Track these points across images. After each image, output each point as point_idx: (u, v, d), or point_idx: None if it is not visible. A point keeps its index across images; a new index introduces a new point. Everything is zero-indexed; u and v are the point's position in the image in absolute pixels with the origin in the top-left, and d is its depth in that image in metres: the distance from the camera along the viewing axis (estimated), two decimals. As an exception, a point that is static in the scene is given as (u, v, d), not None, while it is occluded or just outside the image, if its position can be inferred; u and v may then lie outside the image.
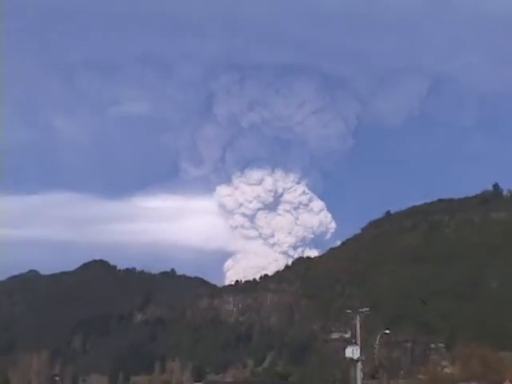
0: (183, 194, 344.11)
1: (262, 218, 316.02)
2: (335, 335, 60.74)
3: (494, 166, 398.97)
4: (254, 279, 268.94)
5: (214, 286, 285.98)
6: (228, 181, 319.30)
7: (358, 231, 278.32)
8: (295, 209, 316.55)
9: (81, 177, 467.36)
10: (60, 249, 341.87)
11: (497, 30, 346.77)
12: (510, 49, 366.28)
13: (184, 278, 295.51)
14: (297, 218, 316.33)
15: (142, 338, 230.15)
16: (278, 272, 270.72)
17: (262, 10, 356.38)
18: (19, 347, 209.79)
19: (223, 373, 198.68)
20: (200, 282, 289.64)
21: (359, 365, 51.27)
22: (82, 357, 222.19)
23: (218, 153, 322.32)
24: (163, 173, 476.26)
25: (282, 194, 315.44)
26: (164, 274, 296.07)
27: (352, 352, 50.86)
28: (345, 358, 54.18)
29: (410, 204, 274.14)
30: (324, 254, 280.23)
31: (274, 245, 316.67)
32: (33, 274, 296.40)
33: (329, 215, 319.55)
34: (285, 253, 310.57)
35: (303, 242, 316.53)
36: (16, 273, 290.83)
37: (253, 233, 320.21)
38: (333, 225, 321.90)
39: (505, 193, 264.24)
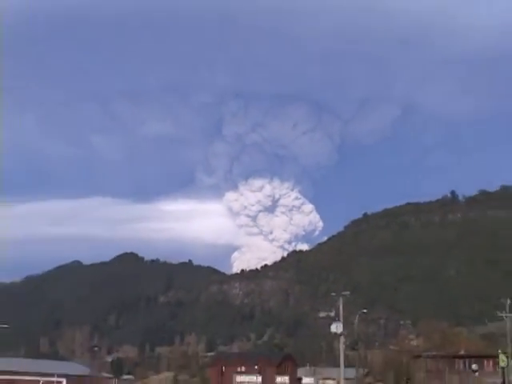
0: (198, 198, 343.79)
1: (263, 218, 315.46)
2: (322, 314, 60.95)
3: (452, 177, 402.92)
4: (256, 268, 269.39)
5: (223, 274, 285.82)
6: (234, 188, 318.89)
7: (341, 229, 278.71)
8: (289, 211, 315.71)
9: (114, 185, 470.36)
10: (98, 243, 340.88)
11: (457, 65, 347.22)
12: (466, 81, 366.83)
13: (198, 267, 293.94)
14: (291, 219, 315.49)
15: (164, 317, 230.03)
16: (275, 262, 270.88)
17: (262, 50, 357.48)
18: (65, 324, 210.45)
19: (230, 345, 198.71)
20: (212, 271, 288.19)
21: (342, 338, 51.68)
22: (116, 331, 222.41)
23: (226, 165, 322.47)
24: (181, 181, 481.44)
25: (278, 199, 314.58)
26: (182, 264, 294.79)
27: (336, 327, 50.39)
28: (330, 332, 53.11)
29: (384, 207, 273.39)
30: (313, 248, 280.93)
31: (272, 240, 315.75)
32: (76, 264, 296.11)
33: (317, 216, 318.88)
34: (281, 247, 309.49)
35: (296, 238, 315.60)
36: (62, 263, 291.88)
37: (255, 230, 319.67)
38: (320, 224, 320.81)
39: (460, 198, 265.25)
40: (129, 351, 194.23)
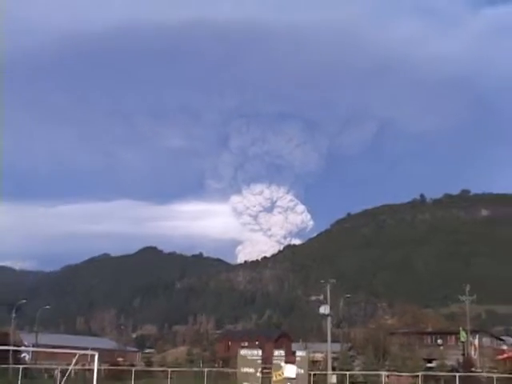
0: (208, 201, 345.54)
1: (262, 217, 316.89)
2: (313, 298, 60.20)
3: (421, 182, 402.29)
4: (257, 259, 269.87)
5: (229, 264, 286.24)
6: (238, 192, 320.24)
7: (328, 227, 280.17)
8: (285, 211, 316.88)
9: (138, 189, 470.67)
10: (124, 238, 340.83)
11: (425, 88, 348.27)
12: (433, 102, 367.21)
13: (208, 258, 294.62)
14: (286, 218, 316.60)
15: (179, 300, 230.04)
16: (273, 255, 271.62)
17: (262, 76, 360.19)
18: (96, 306, 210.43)
19: (235, 324, 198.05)
20: (219, 262, 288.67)
21: (329, 318, 52.04)
22: (139, 312, 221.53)
23: (231, 173, 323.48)
24: (194, 186, 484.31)
25: (275, 201, 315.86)
26: (195, 256, 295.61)
27: (324, 309, 50.31)
28: (319, 313, 52.85)
29: (364, 208, 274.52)
30: (305, 243, 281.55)
31: (270, 236, 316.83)
32: (105, 256, 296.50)
33: (308, 215, 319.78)
34: (278, 241, 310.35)
35: (290, 234, 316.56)
36: (94, 255, 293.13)
37: (256, 227, 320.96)
38: (311, 222, 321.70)
39: (428, 200, 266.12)
40: (150, 329, 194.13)
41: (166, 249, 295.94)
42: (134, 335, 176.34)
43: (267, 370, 44.39)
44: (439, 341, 72.06)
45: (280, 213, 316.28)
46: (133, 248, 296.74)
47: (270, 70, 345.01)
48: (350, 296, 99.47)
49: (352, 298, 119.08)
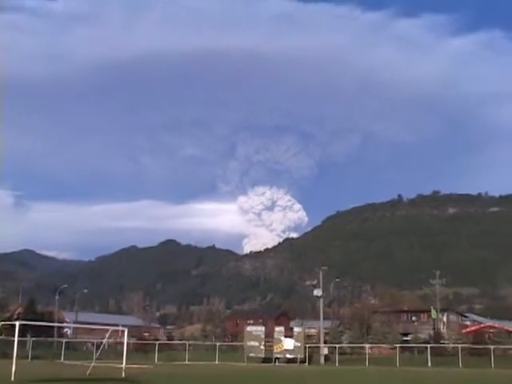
0: (218, 201, 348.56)
1: (265, 215, 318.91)
2: (307, 282, 60.74)
3: (398, 184, 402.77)
4: (260, 250, 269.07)
5: (237, 254, 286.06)
6: (244, 193, 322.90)
7: (320, 223, 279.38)
8: (284, 209, 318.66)
9: (160, 191, 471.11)
10: (148, 233, 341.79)
11: (403, 105, 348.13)
12: (409, 116, 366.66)
13: (220, 249, 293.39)
14: (285, 215, 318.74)
15: (195, 285, 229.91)
16: (274, 246, 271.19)
17: (264, 95, 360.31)
18: (126, 289, 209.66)
19: (242, 304, 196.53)
20: (229, 252, 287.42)
21: (321, 299, 52.41)
22: (162, 295, 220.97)
23: (238, 177, 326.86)
24: (206, 189, 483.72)
25: (276, 201, 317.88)
26: (208, 247, 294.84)
27: (317, 292, 50.30)
28: (313, 295, 52.99)
29: (351, 206, 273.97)
30: (301, 236, 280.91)
31: (272, 230, 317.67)
32: (133, 248, 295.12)
33: (304, 213, 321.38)
34: (278, 235, 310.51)
35: (289, 229, 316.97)
36: (123, 247, 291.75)
37: (259, 223, 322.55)
38: (306, 218, 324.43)
39: (404, 200, 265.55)
40: (171, 309, 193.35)
41: (184, 241, 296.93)
42: (157, 314, 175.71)
43: (269, 343, 44.54)
44: (414, 318, 72.00)
45: (280, 211, 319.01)
46: (156, 241, 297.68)
47: (271, 90, 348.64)
48: (339, 280, 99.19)
49: (341, 282, 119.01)
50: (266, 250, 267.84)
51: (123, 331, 26.95)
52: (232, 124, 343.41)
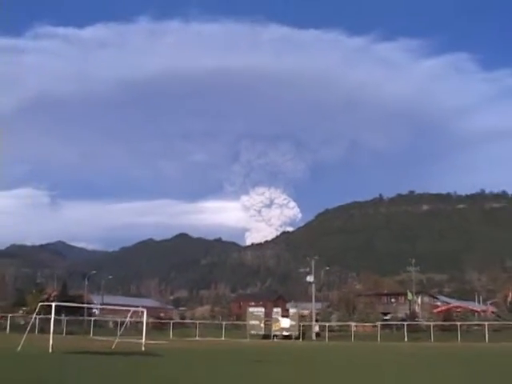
0: (224, 199, 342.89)
1: (264, 211, 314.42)
2: (301, 270, 60.81)
3: (380, 185, 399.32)
4: (261, 243, 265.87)
5: (241, 246, 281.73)
6: (247, 193, 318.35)
7: (313, 218, 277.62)
8: (281, 207, 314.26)
9: (173, 191, 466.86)
10: (163, 227, 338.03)
11: (384, 117, 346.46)
12: (390, 126, 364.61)
13: (226, 242, 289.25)
14: (282, 212, 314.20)
15: (204, 272, 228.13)
16: (272, 239, 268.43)
17: (263, 108, 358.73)
18: (145, 276, 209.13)
19: (245, 289, 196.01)
20: (233, 244, 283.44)
21: (313, 285, 52.66)
22: (175, 281, 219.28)
23: (241, 179, 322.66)
24: (214, 189, 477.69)
25: (274, 199, 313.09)
26: (216, 240, 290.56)
27: (310, 278, 50.88)
28: (306, 281, 53.43)
29: (338, 204, 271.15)
30: (295, 230, 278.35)
31: (270, 225, 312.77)
32: (150, 241, 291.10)
33: (298, 209, 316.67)
34: (276, 229, 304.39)
35: (285, 224, 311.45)
36: (142, 239, 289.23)
37: (260, 219, 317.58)
38: (300, 215, 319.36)
39: (385, 199, 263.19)
40: (183, 293, 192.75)
41: (195, 235, 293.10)
42: (171, 297, 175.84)
43: (268, 322, 44.75)
44: (392, 300, 72.02)
45: (277, 208, 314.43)
46: (170, 234, 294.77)
47: (270, 104, 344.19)
48: (328, 268, 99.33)
49: (330, 270, 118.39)
50: (266, 242, 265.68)
51: (143, 312, 27.14)
52: (236, 133, 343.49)
